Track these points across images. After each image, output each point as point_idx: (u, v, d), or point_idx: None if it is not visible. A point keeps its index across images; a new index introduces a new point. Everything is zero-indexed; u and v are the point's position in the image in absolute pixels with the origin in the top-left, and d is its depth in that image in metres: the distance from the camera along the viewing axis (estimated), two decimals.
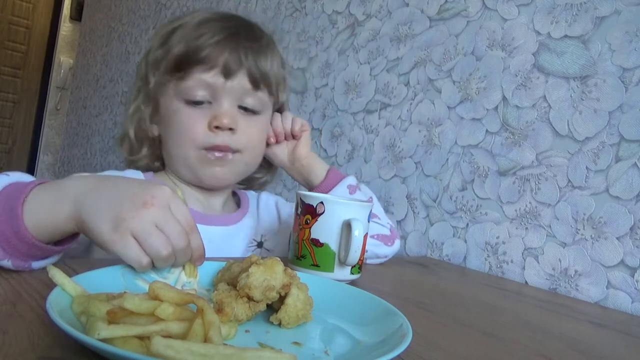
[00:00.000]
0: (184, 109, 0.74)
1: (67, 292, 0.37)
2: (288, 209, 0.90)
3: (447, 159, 1.07)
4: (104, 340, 0.30)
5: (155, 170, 0.83)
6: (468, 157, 1.03)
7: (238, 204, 0.87)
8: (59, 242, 0.51)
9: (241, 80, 0.75)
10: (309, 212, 0.64)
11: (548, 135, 0.91)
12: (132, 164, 0.83)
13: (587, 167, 0.85)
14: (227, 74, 0.74)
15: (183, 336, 0.32)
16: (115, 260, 0.46)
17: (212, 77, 0.73)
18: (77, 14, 3.46)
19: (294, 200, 0.69)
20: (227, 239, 0.79)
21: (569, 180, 0.87)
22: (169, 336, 0.31)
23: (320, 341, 0.43)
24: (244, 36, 0.77)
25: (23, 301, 0.40)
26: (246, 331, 0.41)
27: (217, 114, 0.73)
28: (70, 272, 0.40)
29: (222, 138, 0.73)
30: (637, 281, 0.78)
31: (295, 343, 0.40)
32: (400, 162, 1.16)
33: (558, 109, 0.90)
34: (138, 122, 0.80)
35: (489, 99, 1.01)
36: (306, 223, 0.64)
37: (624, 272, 0.79)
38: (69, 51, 3.49)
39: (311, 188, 0.86)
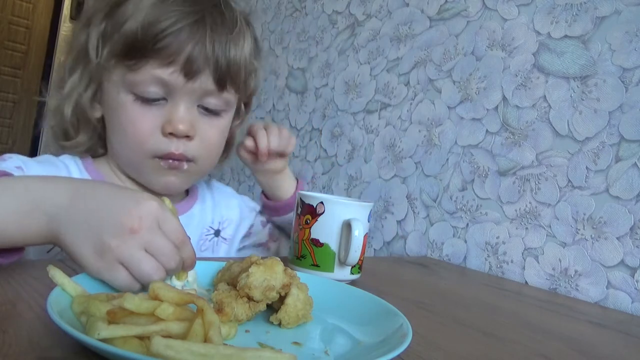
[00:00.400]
0: (132, 106, 0.63)
1: (67, 292, 0.37)
2: (252, 204, 0.88)
3: (447, 159, 1.07)
4: (104, 340, 0.30)
5: (96, 156, 0.73)
6: (468, 157, 1.03)
7: (186, 191, 0.78)
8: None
9: (205, 81, 0.63)
10: (309, 212, 0.64)
11: (548, 135, 0.91)
12: (67, 151, 0.70)
13: (587, 167, 0.85)
14: (189, 73, 0.62)
15: (183, 336, 0.32)
16: None
17: (170, 74, 0.61)
18: (77, 14, 3.46)
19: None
20: None
21: (569, 180, 0.87)
22: (169, 336, 0.31)
23: (320, 341, 0.43)
24: (212, 22, 0.63)
25: (23, 301, 0.40)
26: (246, 331, 0.41)
27: (172, 119, 0.63)
28: (70, 272, 0.40)
29: (176, 145, 0.64)
30: (637, 281, 0.78)
31: (295, 343, 0.40)
32: (400, 162, 1.16)
33: (558, 109, 0.90)
34: (75, 103, 0.67)
35: (489, 99, 1.01)
36: (306, 223, 0.64)
37: (624, 272, 0.79)
38: None
39: (274, 199, 0.84)
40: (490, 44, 1.03)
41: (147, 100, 0.63)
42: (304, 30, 1.52)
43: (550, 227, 0.89)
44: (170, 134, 0.63)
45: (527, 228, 0.92)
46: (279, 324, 0.43)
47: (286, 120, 1.52)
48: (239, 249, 0.83)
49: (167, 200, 0.47)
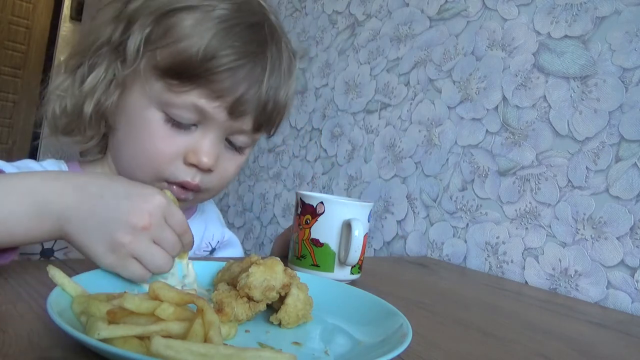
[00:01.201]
0: (160, 126, 0.59)
1: (67, 292, 0.37)
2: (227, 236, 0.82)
3: (447, 159, 1.07)
4: (104, 340, 0.30)
5: (86, 158, 0.68)
6: (468, 157, 1.03)
7: None
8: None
9: (246, 121, 0.61)
10: (309, 212, 0.64)
11: (548, 135, 0.91)
12: (65, 146, 0.67)
13: (587, 167, 0.85)
14: (235, 112, 0.59)
15: (183, 336, 0.32)
16: None
17: (215, 108, 0.58)
18: (77, 14, 3.46)
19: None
20: None
21: (569, 180, 0.87)
22: (169, 336, 0.31)
23: (320, 341, 0.43)
24: (272, 63, 0.60)
25: (23, 301, 0.40)
26: (246, 331, 0.41)
27: (199, 150, 0.59)
28: (70, 272, 0.40)
29: (193, 176, 0.60)
30: (637, 281, 0.78)
31: (295, 343, 0.40)
32: (400, 162, 1.16)
33: (558, 109, 0.90)
34: (98, 102, 0.61)
35: (489, 99, 1.01)
36: (306, 223, 0.64)
37: (624, 272, 0.79)
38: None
39: None
40: (490, 44, 1.03)
41: (177, 124, 0.59)
42: (304, 30, 1.52)
43: (550, 227, 0.89)
44: (192, 164, 0.60)
45: (527, 228, 0.92)
46: (279, 324, 0.43)
47: (286, 120, 1.52)
48: None
49: (168, 192, 0.48)
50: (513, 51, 0.99)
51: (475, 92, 1.04)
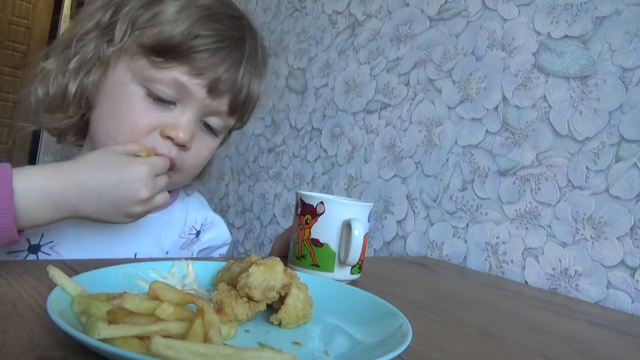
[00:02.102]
0: (141, 100, 0.62)
1: (67, 292, 0.37)
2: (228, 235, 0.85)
3: (447, 159, 1.07)
4: (104, 340, 0.30)
5: (63, 142, 0.71)
6: (468, 157, 1.03)
7: None
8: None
9: (222, 102, 0.65)
10: (309, 212, 0.64)
11: (548, 135, 0.91)
12: (44, 124, 0.67)
13: (587, 167, 0.85)
14: (213, 91, 0.63)
15: (183, 336, 0.32)
16: (115, 260, 0.46)
17: (195, 85, 0.62)
18: (77, 14, 3.45)
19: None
20: (161, 226, 0.73)
21: (569, 180, 0.87)
22: (169, 336, 0.31)
23: (320, 341, 0.43)
24: (249, 52, 0.66)
25: (23, 301, 0.40)
26: (246, 331, 0.41)
27: (177, 125, 0.62)
28: (70, 272, 0.40)
29: (169, 149, 0.63)
30: (637, 281, 0.78)
31: (295, 343, 0.40)
32: (400, 162, 1.16)
33: (558, 109, 0.90)
34: (82, 78, 0.64)
35: (489, 99, 1.01)
36: (306, 223, 0.64)
37: (624, 272, 0.79)
38: None
39: None
40: (490, 44, 1.03)
41: (158, 99, 0.62)
42: (304, 30, 1.52)
43: (550, 227, 0.89)
44: (169, 137, 0.62)
45: (527, 228, 0.92)
46: (279, 324, 0.43)
47: (286, 120, 1.52)
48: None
49: (143, 152, 0.59)
50: (513, 51, 0.99)
51: (475, 92, 1.04)
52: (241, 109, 0.68)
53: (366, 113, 1.27)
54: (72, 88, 0.64)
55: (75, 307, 0.35)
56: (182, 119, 0.63)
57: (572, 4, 0.91)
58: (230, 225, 1.65)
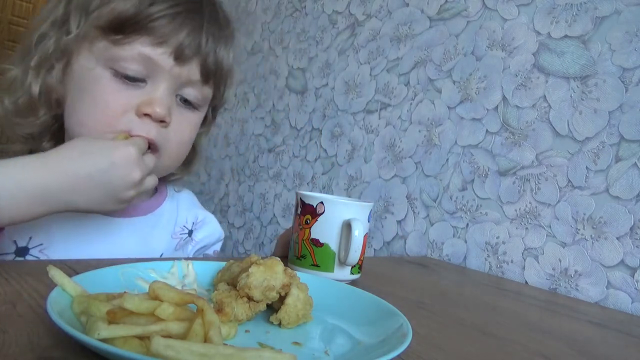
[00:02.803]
0: (109, 81, 0.60)
1: (67, 292, 0.37)
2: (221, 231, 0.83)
3: (447, 159, 1.07)
4: (104, 340, 0.30)
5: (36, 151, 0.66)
6: (468, 157, 1.03)
7: (155, 188, 0.74)
8: None
9: (192, 69, 0.63)
10: (309, 212, 0.64)
11: (548, 135, 0.91)
12: (18, 130, 0.65)
13: (587, 167, 0.85)
14: (180, 57, 0.61)
15: (183, 336, 0.32)
16: (115, 260, 0.46)
17: (160, 54, 0.60)
18: None
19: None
20: (151, 227, 0.71)
21: (569, 180, 0.87)
22: (169, 336, 0.31)
23: (320, 341, 0.43)
24: (209, 16, 0.64)
25: (23, 301, 0.40)
26: (246, 331, 0.41)
27: (151, 100, 0.60)
28: (70, 272, 0.40)
29: (148, 129, 0.60)
30: (637, 281, 0.78)
31: (295, 343, 0.40)
32: (400, 162, 1.16)
33: (558, 109, 0.90)
34: (45, 77, 0.62)
35: (489, 99, 1.01)
36: (306, 223, 0.64)
37: (624, 272, 0.79)
38: None
39: None
40: (490, 44, 1.03)
41: (126, 78, 0.60)
42: (304, 30, 1.52)
43: (550, 227, 0.89)
44: (146, 115, 0.60)
45: (527, 228, 0.92)
46: (279, 324, 0.43)
47: (286, 120, 1.52)
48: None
49: (120, 137, 0.58)
50: (513, 51, 0.99)
51: (475, 92, 1.04)
52: (214, 76, 0.66)
53: (366, 113, 1.27)
54: (36, 87, 0.62)
55: (75, 307, 0.35)
56: (155, 94, 0.61)
57: (572, 4, 0.91)
58: (230, 225, 1.65)
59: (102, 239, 0.66)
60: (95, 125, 0.60)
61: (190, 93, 0.65)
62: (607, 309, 0.78)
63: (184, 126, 0.65)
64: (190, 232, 0.77)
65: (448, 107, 1.08)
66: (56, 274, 0.37)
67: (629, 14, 0.83)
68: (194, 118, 0.67)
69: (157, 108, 0.60)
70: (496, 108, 1.00)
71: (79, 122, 0.62)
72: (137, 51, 0.59)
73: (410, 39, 1.19)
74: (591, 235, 0.83)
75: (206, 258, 0.76)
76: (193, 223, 0.78)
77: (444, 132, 1.08)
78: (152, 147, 0.62)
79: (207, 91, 0.67)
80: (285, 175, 1.49)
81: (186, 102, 0.65)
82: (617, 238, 0.80)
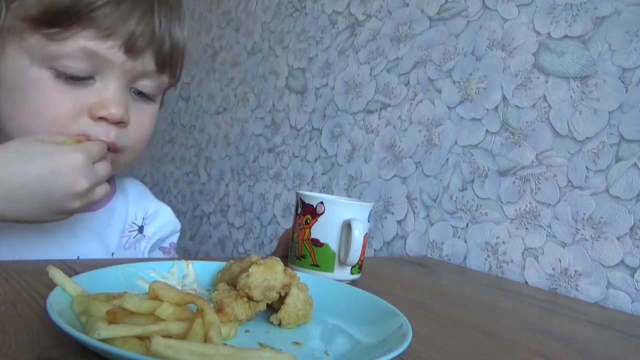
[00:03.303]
0: (51, 83, 0.52)
1: (67, 292, 0.37)
2: (176, 221, 0.76)
3: (447, 159, 1.07)
4: (104, 340, 0.30)
5: None
6: (468, 157, 1.03)
7: None
8: None
9: (146, 60, 0.56)
10: (309, 212, 0.64)
11: (548, 135, 0.91)
12: None
13: (587, 167, 0.85)
14: (131, 50, 0.53)
15: (183, 336, 0.32)
16: (115, 260, 0.46)
17: (108, 49, 0.52)
18: None
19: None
20: (104, 225, 0.65)
21: (569, 180, 0.87)
22: (169, 336, 0.31)
23: (320, 341, 0.43)
24: None
25: (23, 301, 0.40)
26: (246, 331, 0.41)
27: (105, 101, 0.54)
28: (70, 272, 0.40)
29: (106, 132, 0.54)
30: (637, 281, 0.78)
31: (295, 343, 0.40)
32: (400, 162, 1.16)
33: (558, 109, 0.90)
34: None
35: (489, 99, 1.01)
36: (306, 223, 0.64)
37: (624, 272, 0.79)
38: None
39: None
40: (490, 44, 1.03)
41: (71, 78, 0.53)
42: (304, 30, 1.52)
43: (550, 227, 0.89)
44: (101, 118, 0.54)
45: (527, 228, 0.92)
46: (279, 324, 0.43)
47: (286, 120, 1.52)
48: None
49: (70, 140, 0.51)
50: (513, 51, 0.99)
51: (475, 92, 1.04)
52: (170, 62, 0.59)
53: (366, 113, 1.27)
54: None
55: (75, 307, 0.35)
56: (107, 93, 0.54)
57: (572, 4, 0.91)
58: (230, 225, 1.65)
59: (53, 238, 0.60)
60: (44, 133, 0.54)
61: (146, 85, 0.58)
62: (607, 309, 0.78)
63: (143, 120, 0.59)
64: (140, 229, 0.70)
65: (448, 107, 1.08)
66: (56, 274, 0.37)
67: (629, 14, 0.83)
68: (151, 110, 0.61)
69: (112, 109, 0.54)
70: (496, 108, 1.00)
71: (21, 130, 0.54)
72: (79, 46, 0.51)
73: (410, 39, 1.19)
74: (591, 235, 0.83)
75: (206, 258, 0.76)
76: (143, 218, 0.71)
77: (444, 132, 1.08)
78: (112, 148, 0.56)
79: (164, 79, 0.60)
80: (285, 175, 1.49)
81: (141, 94, 0.59)
82: (617, 238, 0.80)
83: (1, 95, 0.55)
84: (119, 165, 0.60)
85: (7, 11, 0.52)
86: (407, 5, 1.21)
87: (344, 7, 1.38)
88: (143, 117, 0.59)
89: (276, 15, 1.64)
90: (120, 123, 0.56)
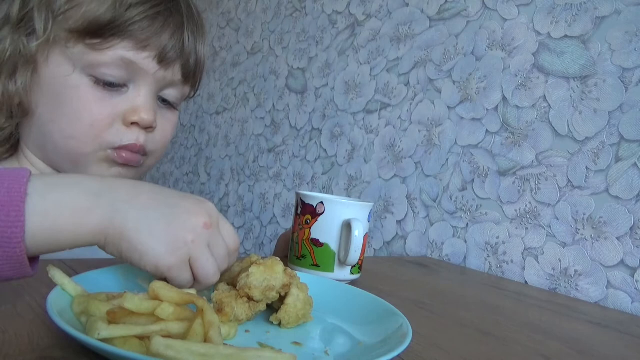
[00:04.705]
0: (90, 90, 0.57)
1: (67, 292, 0.37)
2: None
3: (447, 159, 1.07)
4: (104, 340, 0.30)
5: None
6: (468, 157, 1.03)
7: None
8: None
9: (175, 71, 0.62)
10: (309, 212, 0.64)
11: (548, 135, 0.91)
12: None
13: (587, 167, 0.85)
14: (164, 60, 0.59)
15: (183, 336, 0.32)
16: (115, 260, 0.46)
17: (144, 59, 0.58)
18: None
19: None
20: None
21: (569, 180, 0.87)
22: (169, 336, 0.31)
23: (320, 341, 0.43)
24: (186, 14, 0.62)
25: (23, 301, 0.40)
26: (246, 331, 0.41)
27: (138, 107, 0.59)
28: (70, 272, 0.40)
29: (137, 136, 0.59)
30: (637, 281, 0.78)
31: (295, 343, 0.40)
32: (400, 162, 1.16)
33: (558, 109, 0.90)
34: (5, 83, 0.57)
35: (489, 99, 1.01)
36: (306, 223, 0.64)
37: (624, 272, 0.79)
38: None
39: None
40: (490, 44, 1.03)
41: (107, 85, 0.58)
42: (304, 30, 1.52)
43: (550, 227, 0.89)
44: (133, 123, 0.59)
45: (527, 228, 0.92)
46: (279, 324, 0.43)
47: (286, 120, 1.52)
48: None
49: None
50: (513, 51, 0.99)
51: (475, 92, 1.04)
52: (194, 74, 0.65)
53: (366, 113, 1.27)
54: None
55: (75, 307, 0.35)
56: (139, 100, 0.59)
57: (572, 4, 0.91)
58: None
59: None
60: (83, 137, 0.58)
61: (171, 94, 0.64)
62: (607, 309, 0.78)
63: (167, 126, 0.64)
64: None
65: (448, 107, 1.08)
66: (56, 274, 0.37)
67: (629, 14, 0.83)
68: (173, 117, 0.66)
69: (144, 115, 0.59)
70: (496, 108, 1.00)
71: (61, 133, 0.58)
72: (118, 56, 0.57)
73: (410, 39, 1.19)
74: (591, 235, 0.83)
75: None
76: None
77: (444, 132, 1.08)
78: (141, 152, 0.61)
79: (186, 90, 0.66)
80: (285, 175, 1.49)
81: (165, 102, 0.64)
82: (617, 238, 0.80)
83: (42, 99, 0.58)
84: (145, 169, 0.64)
85: (54, 24, 0.56)
86: (407, 5, 1.21)
87: (344, 7, 1.38)
88: (166, 123, 0.64)
89: (276, 15, 1.64)
90: (149, 128, 0.60)
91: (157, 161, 0.67)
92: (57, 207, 0.36)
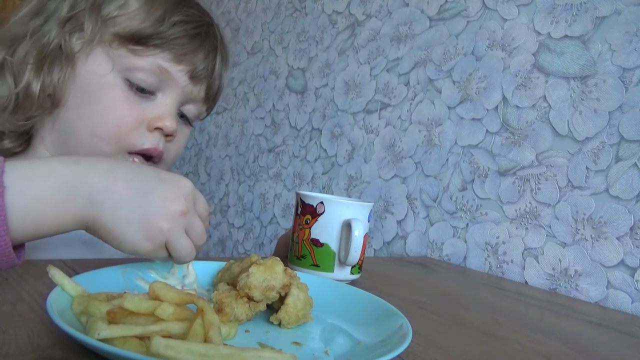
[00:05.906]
0: (123, 92, 0.60)
1: (67, 292, 0.37)
2: None
3: (447, 159, 1.07)
4: (104, 340, 0.30)
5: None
6: (468, 157, 1.03)
7: None
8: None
9: (200, 89, 0.66)
10: (309, 212, 0.64)
11: (548, 135, 0.91)
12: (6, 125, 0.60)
13: (587, 167, 0.85)
14: (195, 77, 0.63)
15: (183, 336, 0.32)
16: (115, 260, 0.46)
17: (178, 71, 0.62)
18: None
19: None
20: None
21: (569, 180, 0.87)
22: (169, 336, 0.31)
23: (320, 341, 0.43)
24: (220, 39, 0.67)
25: (23, 301, 0.40)
26: (246, 331, 0.41)
27: (164, 114, 0.62)
28: (70, 272, 0.40)
29: (157, 142, 0.62)
30: (637, 281, 0.78)
31: (295, 343, 0.40)
32: (400, 162, 1.16)
33: (558, 109, 0.90)
34: (45, 76, 0.58)
35: (489, 99, 1.01)
36: (306, 223, 0.64)
37: (624, 272, 0.79)
38: None
39: None
40: (490, 44, 1.03)
41: (139, 90, 0.61)
42: (304, 30, 1.52)
43: (550, 227, 0.89)
44: (157, 129, 0.62)
45: (527, 228, 0.92)
46: (279, 324, 0.43)
47: (286, 120, 1.52)
48: None
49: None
50: (513, 51, 0.99)
51: (475, 92, 1.04)
52: (214, 96, 0.69)
53: (366, 113, 1.27)
54: (36, 86, 0.58)
55: (75, 307, 0.35)
56: (166, 108, 0.62)
57: (572, 4, 0.91)
58: (230, 225, 1.65)
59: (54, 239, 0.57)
60: (108, 136, 0.60)
61: (190, 109, 0.67)
62: (607, 309, 0.78)
63: (180, 139, 0.68)
64: None
65: (448, 107, 1.08)
66: (56, 274, 0.37)
67: (629, 14, 0.83)
68: (187, 132, 0.70)
69: (168, 122, 0.62)
70: (496, 108, 1.00)
71: (87, 130, 0.60)
72: (156, 64, 0.60)
73: (410, 39, 1.19)
74: (591, 235, 0.83)
75: (206, 258, 0.76)
76: None
77: (444, 132, 1.08)
78: (159, 157, 0.63)
79: (203, 108, 0.70)
80: (285, 175, 1.49)
81: (182, 117, 0.67)
82: (617, 238, 0.80)
83: (74, 95, 0.60)
84: None
85: (102, 27, 0.60)
86: (407, 5, 1.21)
87: (344, 7, 1.38)
88: (180, 136, 0.67)
89: (276, 15, 1.64)
90: (169, 136, 0.63)
91: (167, 170, 0.65)
92: (36, 203, 0.39)
